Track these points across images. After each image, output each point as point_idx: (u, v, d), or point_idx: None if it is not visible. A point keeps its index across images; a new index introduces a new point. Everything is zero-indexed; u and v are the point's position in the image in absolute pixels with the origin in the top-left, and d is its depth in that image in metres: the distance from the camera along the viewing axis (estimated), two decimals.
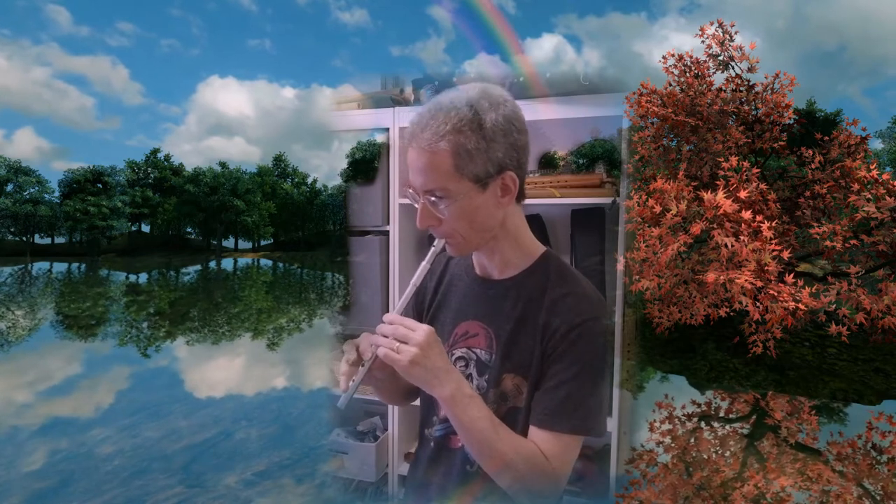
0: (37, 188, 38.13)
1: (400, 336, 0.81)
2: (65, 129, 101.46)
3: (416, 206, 0.88)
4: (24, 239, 38.06)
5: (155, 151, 46.25)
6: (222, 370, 5.44)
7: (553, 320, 0.88)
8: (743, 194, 2.60)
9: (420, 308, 1.07)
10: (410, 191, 0.88)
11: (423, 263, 0.92)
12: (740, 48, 3.17)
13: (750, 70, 3.17)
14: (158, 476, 2.69)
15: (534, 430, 0.87)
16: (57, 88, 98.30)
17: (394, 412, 2.33)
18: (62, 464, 2.88)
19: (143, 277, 19.57)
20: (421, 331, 0.81)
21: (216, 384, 4.80)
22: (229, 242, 47.01)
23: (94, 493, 2.52)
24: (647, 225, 2.74)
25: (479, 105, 0.82)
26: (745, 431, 2.97)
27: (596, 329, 0.87)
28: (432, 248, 0.92)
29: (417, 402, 1.11)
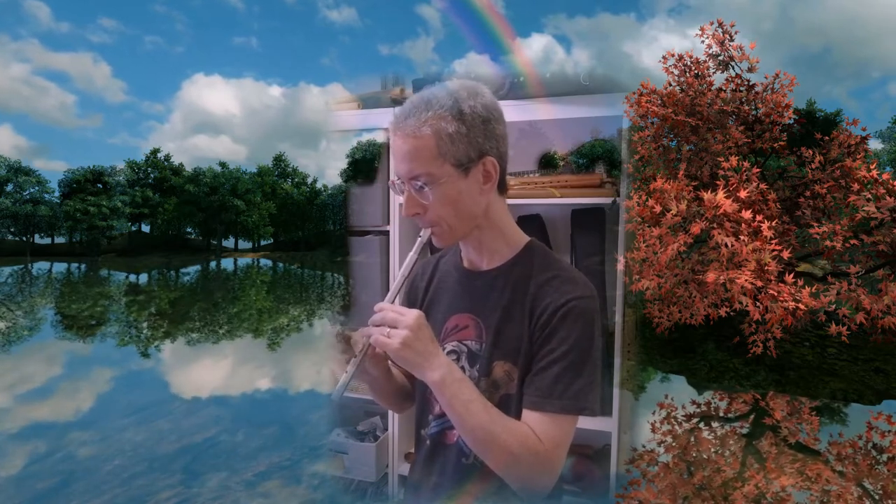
0: (37, 188, 38.13)
1: (389, 321, 0.83)
2: (45, 126, 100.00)
3: (402, 196, 0.91)
4: (24, 239, 38.05)
5: (155, 151, 46.25)
6: (222, 370, 5.44)
7: (539, 304, 0.90)
8: (743, 194, 2.60)
9: (413, 308, 1.09)
10: (397, 181, 0.91)
11: (411, 254, 0.94)
12: (740, 48, 3.16)
13: (750, 70, 3.16)
14: (158, 476, 2.69)
15: (526, 413, 0.88)
16: (36, 85, 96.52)
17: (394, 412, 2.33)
18: (61, 464, 2.88)
19: (143, 277, 19.57)
20: (410, 315, 0.83)
21: (216, 384, 4.80)
22: (229, 242, 47.00)
23: (93, 493, 2.52)
24: (647, 225, 2.74)
25: (458, 94, 0.87)
26: (745, 431, 2.97)
27: (581, 308, 0.88)
28: (419, 239, 0.94)
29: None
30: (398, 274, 0.94)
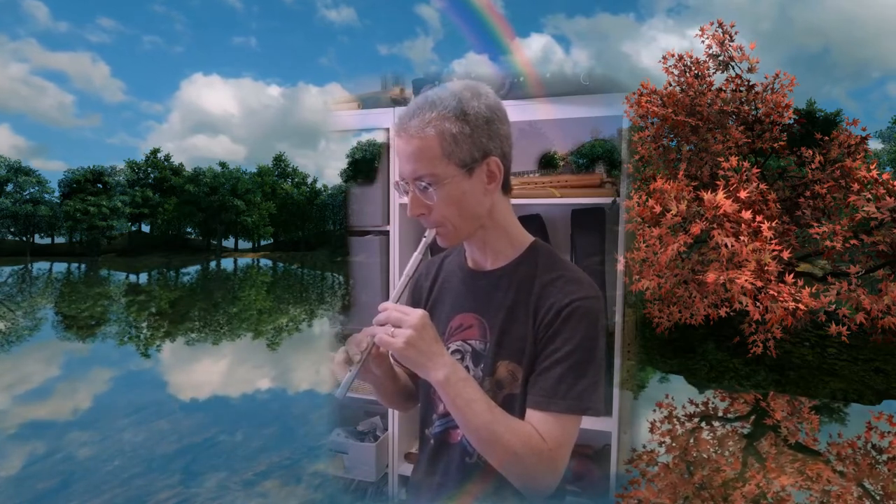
0: (37, 188, 38.11)
1: (394, 320, 0.83)
2: (43, 126, 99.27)
3: (406, 197, 0.91)
4: (24, 239, 38.04)
5: (155, 151, 46.26)
6: (221, 370, 5.44)
7: (544, 304, 0.90)
8: (743, 194, 2.60)
9: (417, 307, 1.09)
10: (401, 182, 0.91)
11: (416, 254, 0.94)
12: (740, 48, 3.16)
13: (750, 70, 3.17)
14: (157, 476, 2.69)
15: (530, 413, 0.88)
16: (35, 85, 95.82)
17: (394, 412, 2.33)
18: (61, 465, 2.88)
19: (143, 277, 19.57)
20: (415, 314, 0.84)
21: (215, 384, 4.80)
22: (229, 242, 47.01)
23: (92, 493, 2.52)
24: (647, 225, 2.74)
25: (462, 95, 0.88)
26: (746, 431, 2.97)
27: (586, 308, 0.89)
28: (423, 239, 0.94)
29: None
30: (403, 273, 0.94)
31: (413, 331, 0.82)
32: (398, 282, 0.94)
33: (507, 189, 0.96)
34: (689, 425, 3.07)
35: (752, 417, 3.14)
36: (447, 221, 0.90)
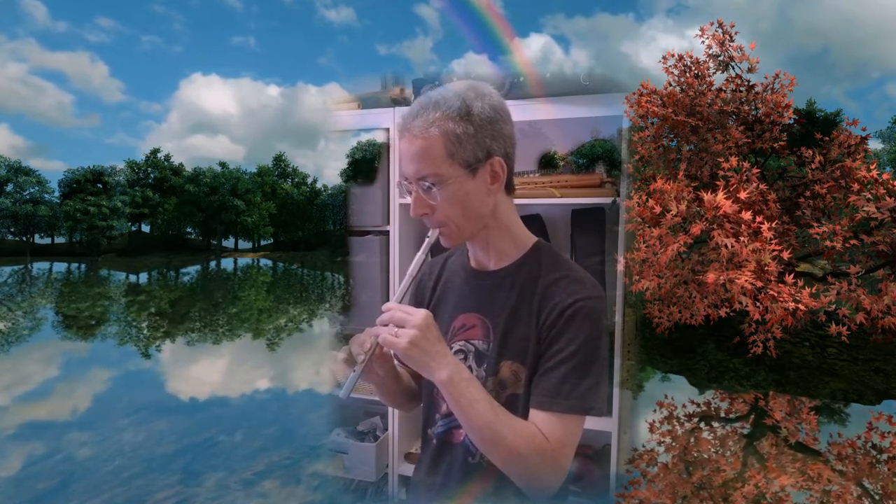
0: (37, 188, 38.10)
1: (397, 320, 0.84)
2: (42, 126, 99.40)
3: (410, 197, 0.91)
4: (24, 239, 38.02)
5: (155, 151, 46.25)
6: (221, 370, 5.44)
7: (547, 304, 0.91)
8: (743, 195, 2.60)
9: (420, 307, 1.09)
10: (405, 182, 0.91)
11: (419, 254, 0.94)
12: (740, 48, 3.17)
13: (750, 70, 3.17)
14: (157, 476, 2.69)
15: (533, 413, 0.88)
16: (34, 85, 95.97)
17: (394, 412, 2.33)
18: (60, 465, 2.88)
19: (143, 277, 19.57)
20: (418, 314, 0.84)
21: (215, 384, 4.79)
22: (229, 242, 47.00)
23: (92, 493, 2.52)
24: (647, 225, 2.74)
25: (466, 95, 0.88)
26: (745, 431, 2.97)
27: (589, 308, 0.89)
28: (427, 239, 0.94)
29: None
30: (406, 274, 0.94)
31: (417, 330, 0.82)
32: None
33: (510, 189, 0.96)
34: (688, 425, 3.07)
35: (752, 417, 3.14)
36: (451, 221, 0.90)
